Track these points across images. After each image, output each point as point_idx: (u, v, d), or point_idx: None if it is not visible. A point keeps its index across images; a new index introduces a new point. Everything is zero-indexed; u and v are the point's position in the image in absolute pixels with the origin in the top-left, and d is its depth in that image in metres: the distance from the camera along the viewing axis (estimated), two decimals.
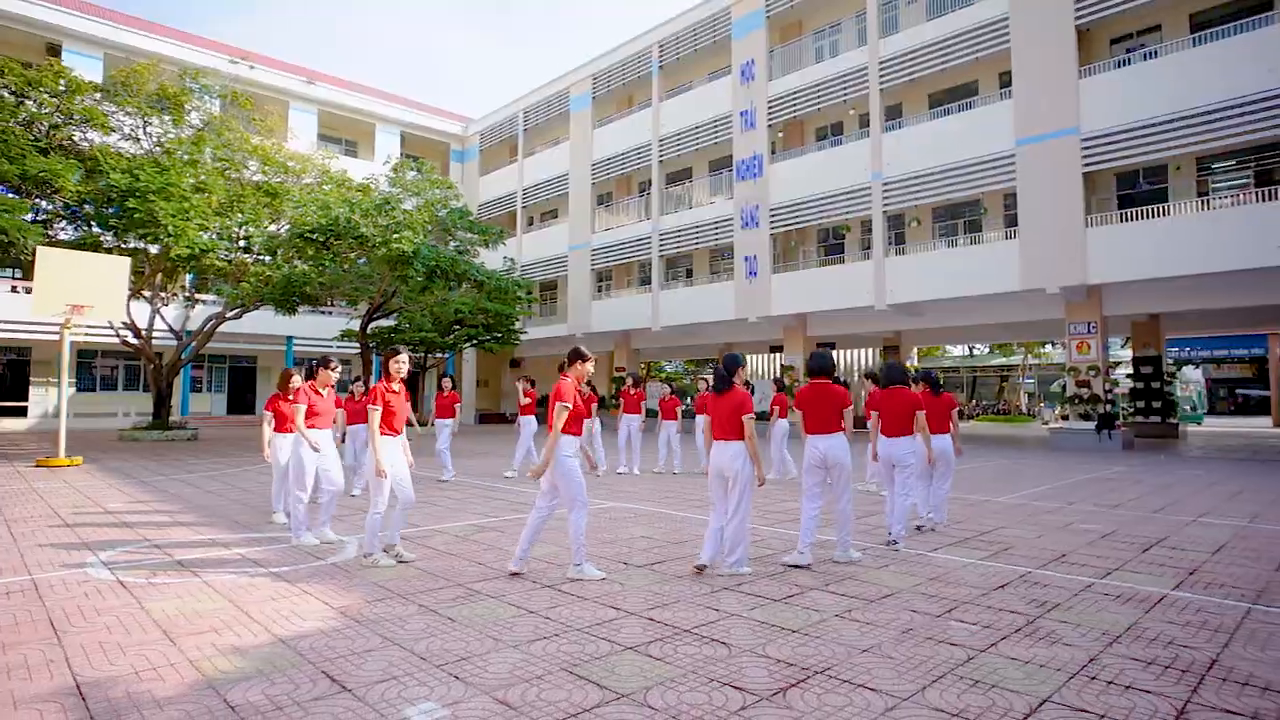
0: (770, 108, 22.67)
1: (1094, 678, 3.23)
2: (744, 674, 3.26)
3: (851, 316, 22.13)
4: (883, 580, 4.98)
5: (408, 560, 5.38)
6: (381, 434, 5.25)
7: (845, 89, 20.92)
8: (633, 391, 12.18)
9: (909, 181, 19.35)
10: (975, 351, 42.42)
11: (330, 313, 28.62)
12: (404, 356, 5.42)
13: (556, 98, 30.67)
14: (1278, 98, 14.04)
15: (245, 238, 16.27)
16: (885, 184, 19.83)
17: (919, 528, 6.78)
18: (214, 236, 15.75)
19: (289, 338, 28.87)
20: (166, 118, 17.56)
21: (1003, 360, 38.72)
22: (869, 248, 21.54)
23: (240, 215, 15.86)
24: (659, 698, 2.99)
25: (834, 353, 27.43)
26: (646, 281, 28.89)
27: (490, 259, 21.84)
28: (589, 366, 5.19)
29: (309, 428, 6.09)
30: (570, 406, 4.90)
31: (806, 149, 23.27)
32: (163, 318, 20.40)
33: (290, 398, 6.59)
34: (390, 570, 5.17)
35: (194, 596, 4.45)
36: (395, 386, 5.37)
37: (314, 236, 13.95)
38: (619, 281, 30.46)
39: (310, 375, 6.35)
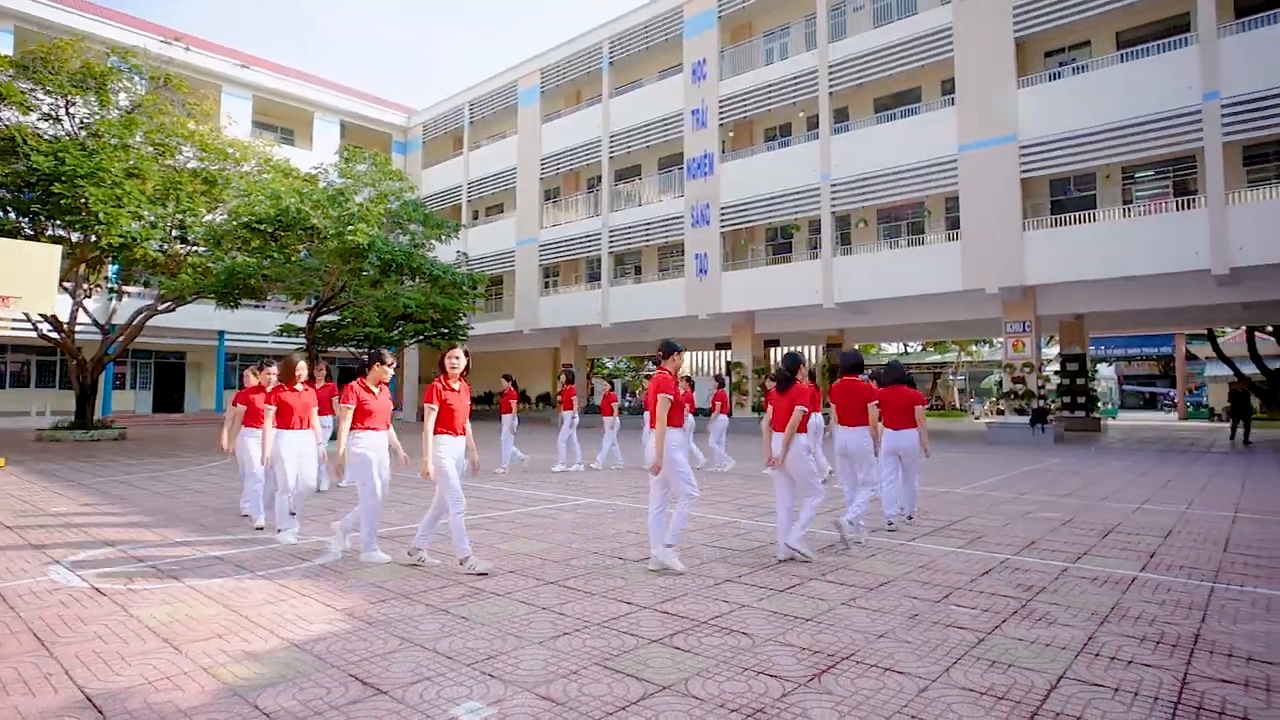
0: (721, 107, 22.94)
1: (1097, 655, 3.44)
2: (774, 662, 3.33)
3: (799, 314, 22.62)
4: (875, 569, 5.15)
5: (429, 565, 5.16)
6: (437, 433, 4.96)
7: (796, 91, 21.35)
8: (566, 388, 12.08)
9: (857, 183, 19.91)
10: (909, 349, 43.97)
11: (263, 307, 27.50)
12: (459, 352, 5.14)
13: (504, 90, 30.26)
14: (1195, 114, 15.05)
15: (182, 227, 15.43)
16: (834, 185, 20.35)
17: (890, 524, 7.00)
18: (148, 225, 14.92)
19: (221, 332, 27.65)
20: (92, 98, 16.51)
21: (937, 357, 40.26)
22: (816, 247, 22.09)
23: (176, 203, 15.04)
24: (700, 688, 3.03)
25: (778, 351, 28.02)
26: (594, 278, 28.86)
27: (441, 253, 21.39)
28: (682, 359, 5.31)
29: (364, 429, 5.30)
30: (672, 397, 4.96)
31: (755, 149, 23.64)
32: (85, 310, 19.22)
33: (297, 389, 6.14)
34: (384, 570, 5.04)
35: (183, 602, 4.25)
36: (455, 385, 5.09)
37: (262, 227, 13.35)
38: (566, 278, 30.32)
39: (362, 371, 5.62)
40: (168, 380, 29.28)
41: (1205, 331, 29.15)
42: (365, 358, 5.59)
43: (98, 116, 16.24)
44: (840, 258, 20.61)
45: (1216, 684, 3.09)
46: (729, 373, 29.36)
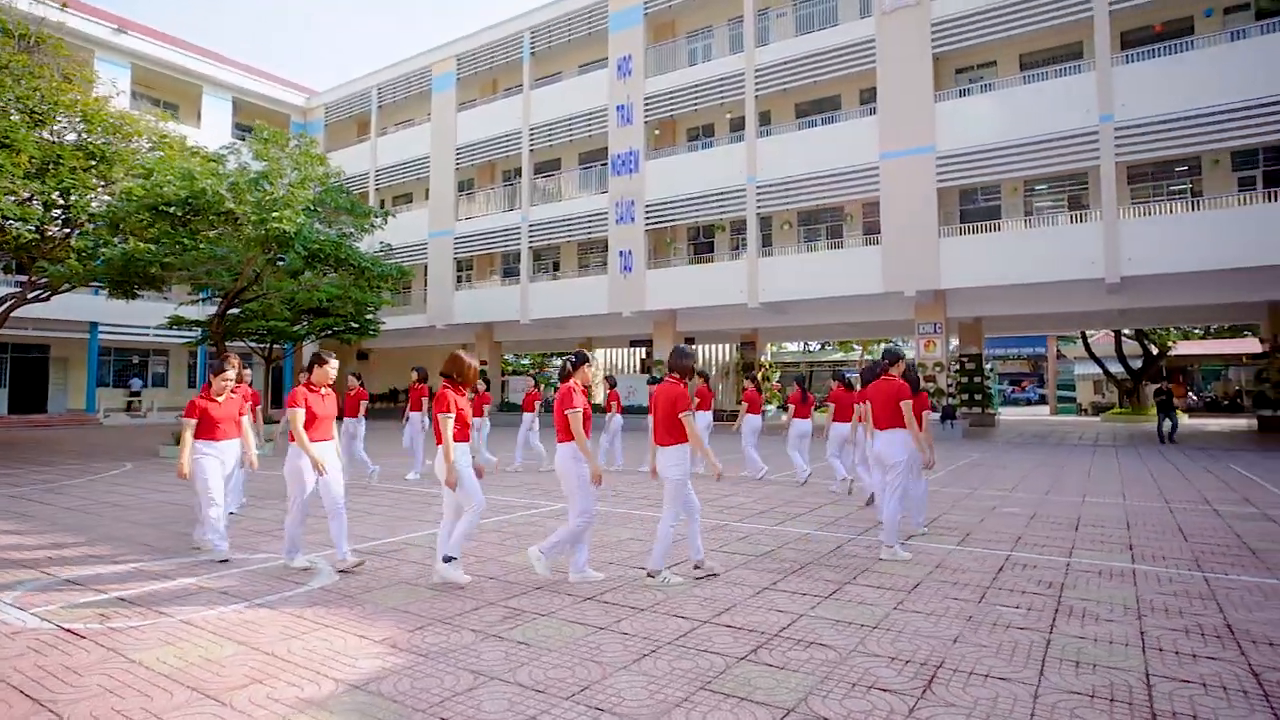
0: (647, 104, 22.90)
1: (1161, 650, 3.59)
2: (876, 675, 3.27)
3: (721, 313, 22.96)
4: (896, 570, 5.21)
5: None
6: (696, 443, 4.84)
7: (722, 92, 21.62)
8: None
9: (783, 186, 20.39)
10: (810, 348, 45.73)
11: (144, 297, 25.08)
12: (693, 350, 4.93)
13: (416, 75, 28.97)
14: (1093, 134, 16.37)
15: (66, 207, 13.69)
16: (759, 187, 20.75)
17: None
18: (22, 202, 13.16)
19: (93, 324, 25.01)
20: None
21: (840, 355, 42.09)
22: (738, 248, 22.52)
23: (57, 180, 13.32)
24: (824, 707, 2.92)
25: (695, 348, 28.37)
26: (510, 273, 28.20)
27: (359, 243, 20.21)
28: (905, 364, 5.74)
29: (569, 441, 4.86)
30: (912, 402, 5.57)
31: (678, 148, 23.84)
32: None
33: (471, 393, 5.17)
34: (399, 593, 4.62)
35: (189, 641, 3.70)
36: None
37: (170, 210, 12.03)
38: (480, 272, 29.45)
39: (567, 373, 5.01)
40: (27, 376, 26.09)
41: (1078, 333, 31.94)
42: (573, 358, 5.06)
43: None
44: (765, 258, 21.07)
45: None
46: (647, 370, 29.50)
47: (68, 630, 3.87)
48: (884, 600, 4.46)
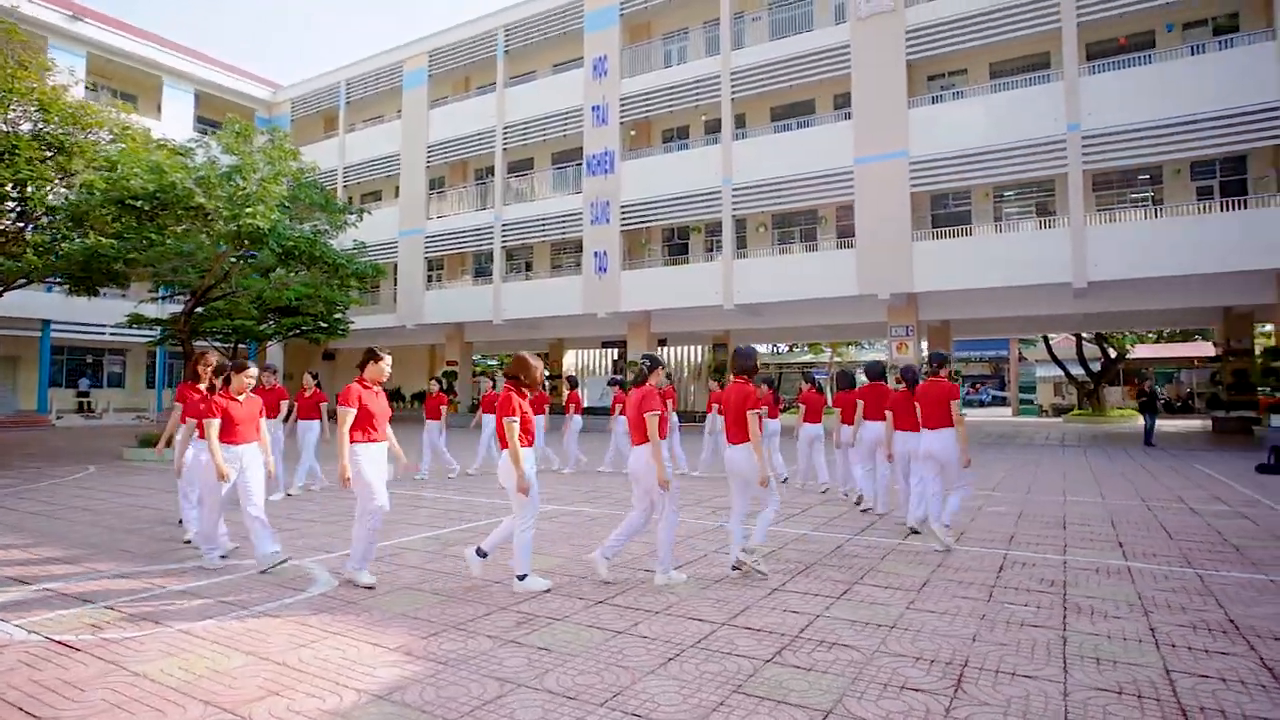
0: (623, 105, 22.85)
1: (1174, 646, 3.66)
2: (905, 675, 3.27)
3: (696, 314, 22.98)
4: (900, 570, 5.24)
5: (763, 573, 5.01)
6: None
7: (698, 95, 21.67)
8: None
9: (758, 189, 20.49)
10: (779, 349, 46.11)
11: (103, 294, 24.19)
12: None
13: (387, 71, 28.50)
14: (1061, 142, 16.78)
15: (21, 199, 13.10)
16: (735, 189, 20.84)
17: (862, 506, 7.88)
18: None
19: (46, 322, 24.06)
20: None
21: (810, 357, 42.50)
22: (712, 249, 22.60)
23: (13, 171, 12.73)
24: (860, 708, 2.91)
25: (666, 350, 28.39)
26: (482, 273, 27.92)
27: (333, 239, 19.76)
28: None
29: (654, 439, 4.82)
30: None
31: (653, 149, 23.84)
32: None
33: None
34: (405, 599, 4.49)
35: (192, 652, 3.54)
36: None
37: (138, 204, 11.58)
38: (451, 271, 29.07)
39: (643, 376, 5.02)
40: None
41: (1040, 336, 32.75)
42: (647, 362, 5.08)
43: None
44: (740, 260, 21.15)
45: None
46: (619, 371, 29.41)
47: (59, 642, 3.67)
48: (896, 600, 4.47)
